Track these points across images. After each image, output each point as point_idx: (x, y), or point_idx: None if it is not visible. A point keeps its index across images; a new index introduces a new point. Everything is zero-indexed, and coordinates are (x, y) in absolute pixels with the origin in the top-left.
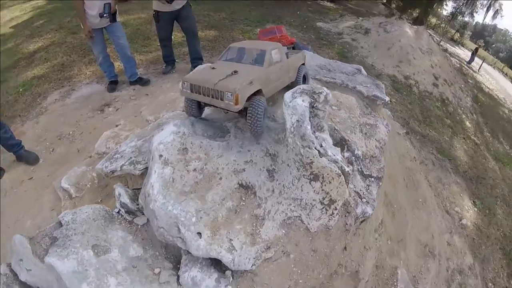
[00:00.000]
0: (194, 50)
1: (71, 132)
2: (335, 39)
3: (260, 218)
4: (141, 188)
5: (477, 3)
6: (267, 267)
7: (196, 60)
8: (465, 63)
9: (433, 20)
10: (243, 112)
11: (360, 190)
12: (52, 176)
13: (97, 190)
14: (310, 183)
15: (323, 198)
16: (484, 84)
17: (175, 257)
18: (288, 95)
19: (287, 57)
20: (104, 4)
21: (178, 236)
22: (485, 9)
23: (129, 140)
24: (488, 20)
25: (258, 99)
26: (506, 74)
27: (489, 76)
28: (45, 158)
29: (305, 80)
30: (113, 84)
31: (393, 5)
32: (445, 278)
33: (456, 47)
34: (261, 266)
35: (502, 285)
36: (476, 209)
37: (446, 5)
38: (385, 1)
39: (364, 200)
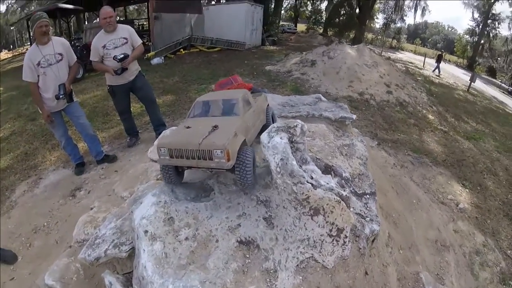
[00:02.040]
0: (155, 118)
1: (45, 224)
2: (286, 77)
3: (271, 271)
4: (132, 271)
5: (404, 7)
6: None
7: (159, 127)
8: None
9: (370, 36)
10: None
11: (361, 210)
12: (34, 273)
13: (84, 282)
14: (312, 218)
15: (330, 230)
16: (432, 76)
17: None
18: (264, 136)
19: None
20: (59, 85)
21: None
22: (413, 10)
23: (107, 222)
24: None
25: (245, 150)
26: (449, 60)
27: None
28: (24, 254)
29: (273, 120)
30: (80, 167)
31: (330, 33)
32: (466, 264)
33: (397, 52)
34: None
35: None
36: (467, 190)
37: (377, 18)
38: (321, 32)
39: (368, 219)
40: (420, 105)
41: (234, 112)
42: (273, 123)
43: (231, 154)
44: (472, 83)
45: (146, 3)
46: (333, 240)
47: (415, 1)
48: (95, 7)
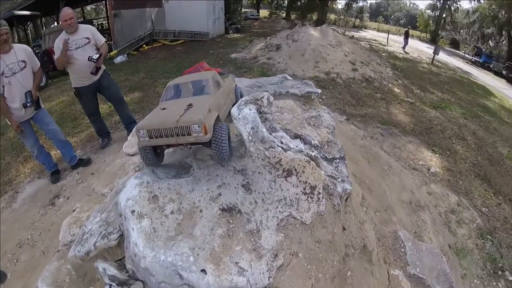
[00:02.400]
0: (125, 116)
1: (29, 236)
2: (252, 64)
3: (255, 231)
4: (123, 257)
5: None
6: (283, 276)
7: (130, 124)
8: (402, 48)
9: (332, 17)
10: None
11: (332, 172)
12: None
13: (78, 281)
14: (286, 179)
15: (304, 188)
16: (396, 52)
17: None
18: (234, 109)
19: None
20: (25, 93)
21: (182, 283)
22: None
23: (92, 218)
24: None
25: (220, 125)
26: (412, 35)
27: (399, 43)
28: (12, 271)
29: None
30: (56, 174)
31: (293, 17)
32: (442, 222)
33: (360, 31)
34: (277, 277)
35: (494, 204)
36: (437, 155)
37: None
38: (284, 17)
39: (339, 179)
40: (386, 79)
41: (205, 91)
42: None
43: (207, 127)
44: (436, 55)
45: (104, 2)
46: (307, 197)
47: None
48: (52, 11)
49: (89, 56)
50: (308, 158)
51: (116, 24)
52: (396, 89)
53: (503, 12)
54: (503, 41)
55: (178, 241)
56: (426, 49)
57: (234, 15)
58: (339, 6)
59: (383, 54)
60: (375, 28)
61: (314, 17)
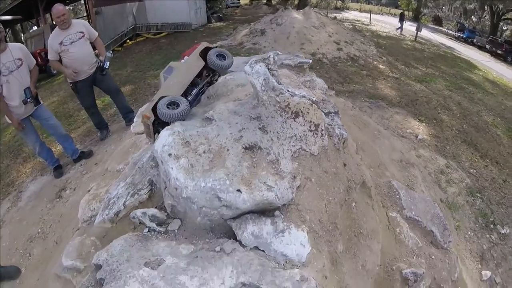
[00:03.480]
0: (123, 106)
1: (39, 230)
2: (238, 50)
3: (275, 161)
4: (153, 208)
5: None
6: (301, 195)
7: (127, 114)
8: (397, 31)
9: (314, 0)
10: None
11: (328, 123)
12: (42, 277)
13: None
14: (294, 120)
15: (310, 126)
16: (379, 31)
17: (225, 233)
18: (247, 67)
19: None
20: (24, 90)
21: (221, 205)
22: None
23: (115, 186)
24: None
25: None
26: (394, 14)
27: (381, 23)
28: (26, 265)
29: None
30: (59, 169)
31: (274, 2)
32: (432, 180)
33: (343, 12)
34: (297, 196)
35: (481, 166)
36: (424, 124)
37: None
38: (265, 3)
39: (336, 127)
40: (370, 57)
41: None
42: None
43: None
44: (419, 32)
45: (82, 1)
46: (313, 133)
47: None
48: (31, 15)
49: (103, 66)
50: (311, 101)
51: (98, 21)
52: (381, 66)
53: None
54: (485, 16)
55: (214, 171)
56: (409, 26)
57: (216, 4)
58: None
59: (367, 34)
60: (357, 9)
61: (296, 1)
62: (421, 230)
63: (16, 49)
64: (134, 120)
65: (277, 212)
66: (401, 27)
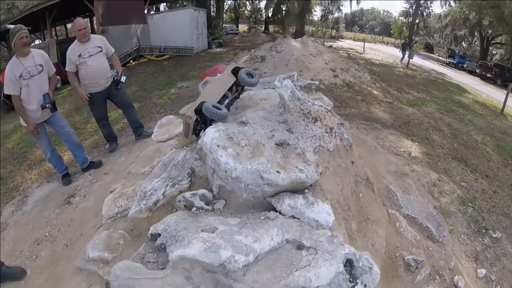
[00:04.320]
0: (134, 120)
1: (47, 234)
2: None
3: (301, 153)
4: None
5: None
6: (323, 180)
7: (138, 128)
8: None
9: (310, 29)
10: None
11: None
12: (52, 278)
13: (133, 241)
14: (314, 123)
15: (326, 129)
16: (373, 59)
17: (264, 209)
18: (277, 82)
19: None
20: (43, 95)
21: (264, 183)
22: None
23: (148, 182)
24: (355, 7)
25: None
26: (386, 42)
27: (375, 51)
28: (32, 267)
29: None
30: (67, 177)
31: (272, 30)
32: (425, 190)
33: (337, 41)
34: (320, 180)
35: (471, 179)
36: (416, 143)
37: (315, 11)
38: (263, 31)
39: (343, 133)
40: (365, 83)
41: None
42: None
43: None
44: (410, 59)
45: (88, 19)
46: (329, 134)
47: None
48: (38, 28)
49: (120, 80)
50: (326, 109)
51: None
52: (375, 92)
53: (474, 14)
54: (475, 41)
55: (256, 159)
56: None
57: (216, 30)
58: (316, 18)
59: (361, 61)
60: (351, 38)
61: (292, 30)
62: (418, 226)
63: (38, 55)
64: (154, 130)
65: (306, 190)
66: (403, 57)
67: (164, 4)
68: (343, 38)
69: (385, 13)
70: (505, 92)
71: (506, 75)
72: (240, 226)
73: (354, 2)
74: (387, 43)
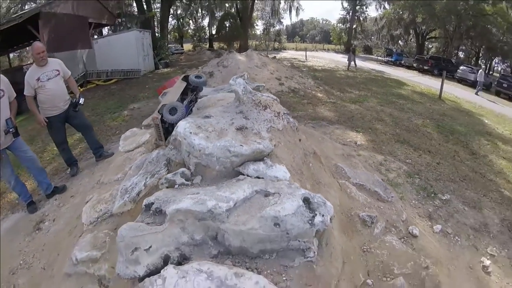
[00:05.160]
0: (94, 141)
1: (21, 262)
2: None
3: (257, 133)
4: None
5: (280, 10)
6: (277, 150)
7: (98, 149)
8: (351, 67)
9: (254, 43)
10: None
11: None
12: None
13: None
14: (265, 110)
15: (274, 114)
16: (315, 65)
17: (235, 176)
18: (231, 81)
19: None
20: (6, 120)
21: (231, 155)
22: (288, 12)
23: (127, 181)
24: (295, 19)
25: None
26: (327, 49)
27: (316, 58)
28: None
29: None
30: (33, 204)
31: (216, 47)
32: (373, 168)
33: (280, 52)
34: (275, 150)
35: (415, 156)
36: (361, 134)
37: (257, 25)
38: (208, 48)
39: (290, 118)
40: (309, 88)
41: None
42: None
43: None
44: (350, 62)
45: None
46: (277, 117)
47: (288, 3)
48: None
49: (79, 102)
50: (273, 98)
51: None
52: (319, 94)
53: (407, 13)
54: (411, 39)
55: (222, 138)
56: (342, 59)
57: (162, 51)
58: (258, 32)
59: (304, 69)
60: (293, 48)
61: (236, 45)
62: (367, 191)
63: None
64: (120, 143)
65: (265, 158)
66: (353, 61)
67: (107, 27)
68: (285, 49)
69: (324, 22)
70: (442, 80)
71: (441, 65)
72: (218, 188)
73: (293, 14)
74: (328, 50)
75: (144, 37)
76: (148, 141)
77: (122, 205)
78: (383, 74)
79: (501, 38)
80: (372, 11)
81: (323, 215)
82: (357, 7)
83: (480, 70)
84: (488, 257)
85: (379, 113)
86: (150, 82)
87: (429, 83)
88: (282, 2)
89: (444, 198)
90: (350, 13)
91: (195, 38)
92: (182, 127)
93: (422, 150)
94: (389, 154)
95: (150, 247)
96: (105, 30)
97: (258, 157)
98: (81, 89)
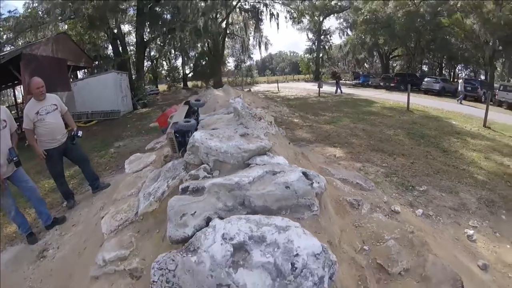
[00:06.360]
0: (91, 173)
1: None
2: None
3: (257, 137)
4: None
5: (249, 47)
6: (275, 147)
7: (94, 181)
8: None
9: (227, 79)
10: None
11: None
12: None
13: (144, 237)
14: (260, 120)
15: (268, 123)
16: (288, 95)
17: (247, 165)
18: (231, 100)
19: None
20: (9, 149)
21: (241, 151)
22: (257, 47)
23: (148, 187)
24: (264, 53)
25: None
26: (297, 79)
27: (288, 89)
28: None
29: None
30: (33, 235)
31: (190, 85)
32: (354, 171)
33: (253, 86)
34: (273, 148)
35: (390, 160)
36: (339, 148)
37: (229, 62)
38: (183, 87)
39: (277, 127)
40: (285, 115)
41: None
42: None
43: None
44: (320, 88)
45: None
46: (270, 125)
47: (257, 39)
48: None
49: (77, 134)
50: (265, 111)
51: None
52: (295, 120)
53: (369, 37)
54: (376, 60)
55: (231, 141)
56: (313, 87)
57: (139, 91)
58: (230, 69)
59: (278, 99)
60: (265, 81)
61: (211, 82)
62: (350, 184)
63: (1, 112)
64: (125, 167)
65: (267, 153)
66: (338, 88)
67: (84, 70)
68: (257, 83)
69: (292, 54)
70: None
71: (407, 80)
72: (236, 174)
73: (263, 49)
74: (298, 79)
75: (122, 79)
76: (156, 161)
77: (148, 205)
78: (352, 96)
79: (461, 46)
80: (336, 39)
81: (318, 183)
82: (322, 37)
83: (460, 80)
84: (471, 229)
85: (352, 129)
86: (131, 121)
87: (397, 98)
88: (251, 38)
89: (422, 189)
90: (316, 43)
91: (168, 78)
92: (199, 135)
93: (396, 155)
94: (367, 161)
95: (195, 212)
96: (80, 74)
97: (262, 152)
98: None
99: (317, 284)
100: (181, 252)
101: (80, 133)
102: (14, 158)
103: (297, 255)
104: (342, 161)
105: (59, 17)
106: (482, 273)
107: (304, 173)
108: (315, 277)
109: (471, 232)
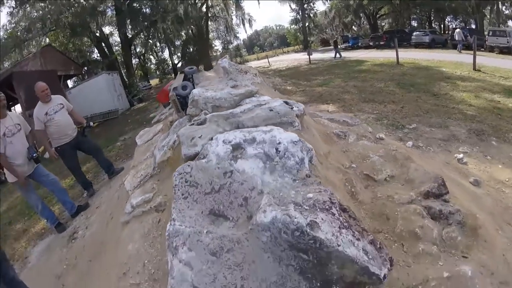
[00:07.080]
0: (105, 160)
1: (65, 266)
2: None
3: (245, 86)
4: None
5: (233, 26)
6: (261, 91)
7: (110, 167)
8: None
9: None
10: None
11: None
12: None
13: (163, 183)
14: (246, 74)
15: (253, 75)
16: (279, 67)
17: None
18: (219, 61)
19: None
20: (28, 148)
21: (233, 96)
22: (241, 25)
23: (160, 142)
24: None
25: None
26: (287, 51)
27: (279, 62)
28: None
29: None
30: (61, 225)
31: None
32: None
33: (245, 65)
34: (259, 91)
35: (381, 107)
36: (331, 104)
37: (215, 45)
38: (174, 77)
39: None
40: (279, 84)
41: None
42: None
43: None
44: (310, 55)
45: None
46: (255, 76)
47: (240, 18)
48: None
49: (83, 127)
50: (249, 67)
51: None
52: (288, 87)
53: None
54: (363, 22)
55: (224, 90)
56: (303, 56)
57: (133, 88)
58: (218, 52)
59: (270, 72)
60: (255, 59)
61: (201, 67)
62: (337, 122)
63: (14, 116)
64: (136, 140)
65: (255, 95)
66: (337, 53)
67: (75, 77)
68: (247, 62)
69: (278, 27)
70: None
71: (396, 36)
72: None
73: (247, 27)
74: (288, 52)
75: (114, 78)
76: (163, 129)
77: (163, 154)
78: (343, 59)
79: None
80: (320, 5)
81: (298, 107)
82: (305, 5)
83: (458, 30)
84: (461, 154)
85: (344, 87)
86: (131, 117)
87: (387, 55)
88: (234, 18)
89: (412, 127)
90: (300, 12)
91: (158, 72)
92: (197, 91)
93: (386, 102)
94: (358, 111)
95: (201, 135)
96: (70, 82)
97: (250, 95)
98: None
99: (299, 163)
100: (194, 160)
101: (91, 123)
102: (34, 155)
103: (279, 143)
104: (334, 113)
105: (40, 32)
106: (475, 188)
107: (285, 102)
108: (296, 158)
109: (461, 156)
